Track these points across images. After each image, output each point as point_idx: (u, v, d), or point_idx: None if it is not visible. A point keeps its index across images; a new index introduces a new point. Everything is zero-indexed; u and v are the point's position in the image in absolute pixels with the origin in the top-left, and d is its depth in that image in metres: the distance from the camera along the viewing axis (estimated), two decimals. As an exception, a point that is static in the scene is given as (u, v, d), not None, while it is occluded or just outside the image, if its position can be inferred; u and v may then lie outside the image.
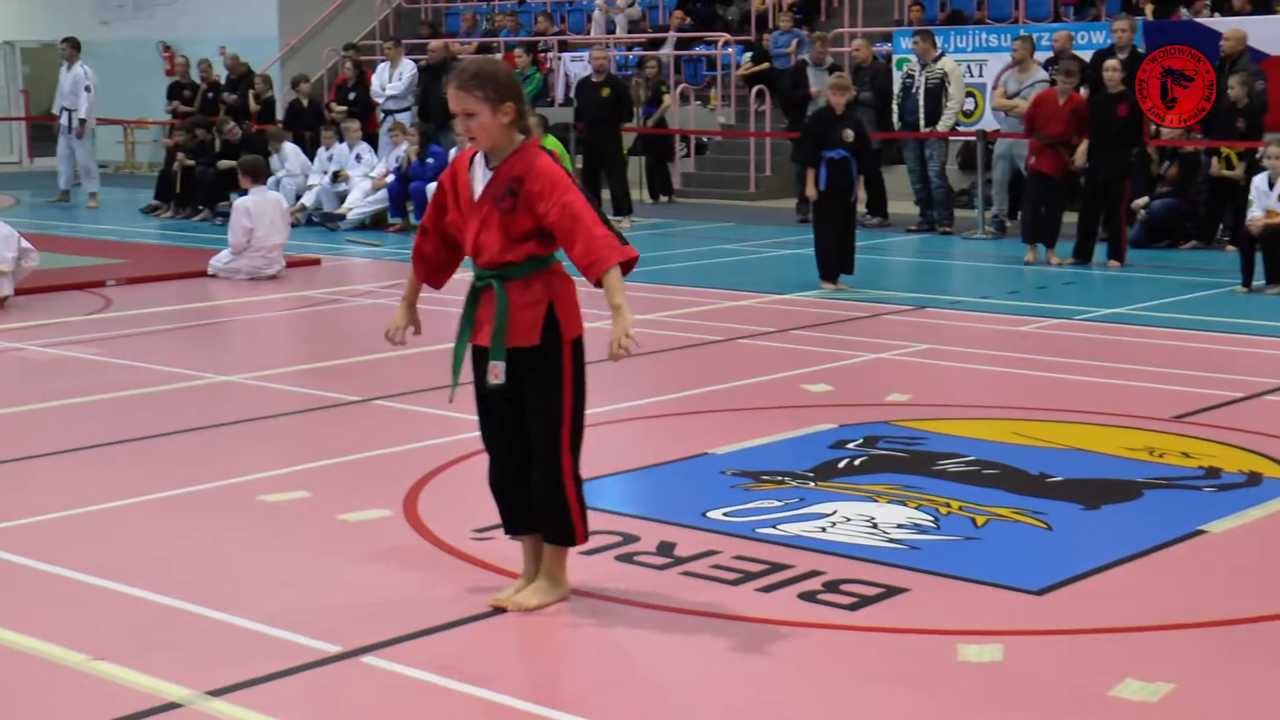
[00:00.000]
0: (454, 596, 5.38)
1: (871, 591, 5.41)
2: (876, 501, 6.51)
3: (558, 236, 5.07)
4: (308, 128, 20.20)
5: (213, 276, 13.77)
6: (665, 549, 5.90)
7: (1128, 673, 4.66)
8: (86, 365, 9.80)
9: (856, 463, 7.16)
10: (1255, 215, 12.38)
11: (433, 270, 5.43)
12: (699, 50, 23.36)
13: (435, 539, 6.04)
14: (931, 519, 6.28)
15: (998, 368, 9.56)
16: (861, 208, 14.57)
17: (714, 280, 13.38)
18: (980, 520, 6.26)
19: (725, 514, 6.34)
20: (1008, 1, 21.14)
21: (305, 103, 20.88)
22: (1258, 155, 13.78)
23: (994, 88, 16.88)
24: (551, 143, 17.92)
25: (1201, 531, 6.14)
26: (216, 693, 4.55)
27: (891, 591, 5.41)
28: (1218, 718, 4.44)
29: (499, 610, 5.23)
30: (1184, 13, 18.34)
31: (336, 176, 18.43)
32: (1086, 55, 16.16)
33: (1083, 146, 14.10)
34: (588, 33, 24.69)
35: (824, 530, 6.12)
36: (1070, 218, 14.50)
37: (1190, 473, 7.00)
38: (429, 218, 5.38)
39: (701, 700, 4.56)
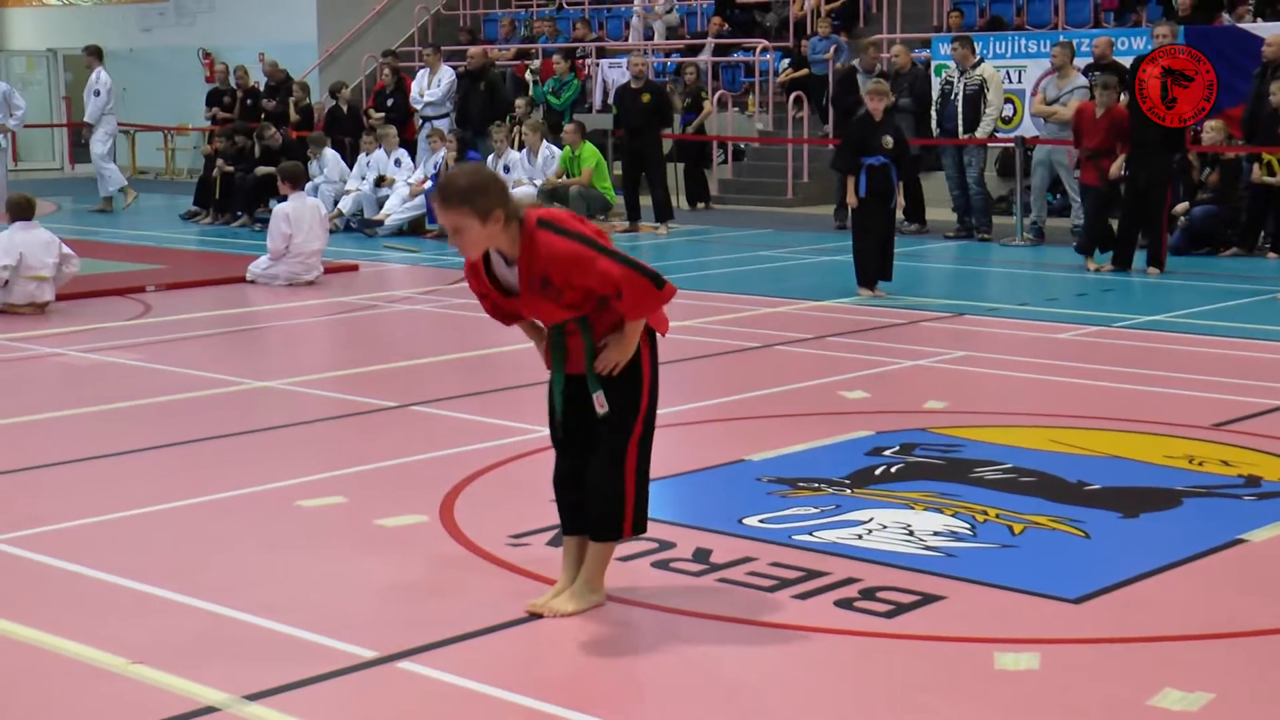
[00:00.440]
0: (490, 602, 5.39)
1: (908, 599, 5.39)
2: (913, 509, 6.49)
3: (608, 296, 5.06)
4: (347, 134, 20.31)
5: (251, 282, 13.82)
6: (701, 555, 5.90)
7: (1167, 682, 4.63)
8: (126, 370, 9.86)
9: (893, 470, 7.14)
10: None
11: (507, 318, 5.42)
12: (737, 57, 23.36)
13: (472, 545, 6.05)
14: (968, 526, 6.25)
15: (1036, 375, 9.52)
16: (899, 214, 14.53)
17: (752, 287, 13.36)
18: (1017, 528, 6.23)
19: (761, 520, 6.33)
20: (1047, 7, 21.06)
21: (345, 109, 20.97)
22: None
23: (1033, 94, 16.83)
24: (589, 150, 18.03)
25: (1241, 540, 6.09)
26: (254, 697, 4.56)
27: (928, 599, 5.40)
28: (1257, 728, 4.41)
29: (535, 616, 5.24)
30: (1226, 18, 18.23)
31: (381, 181, 18.50)
32: (1126, 61, 16.06)
33: (1120, 158, 14.04)
34: (626, 39, 24.72)
35: (860, 537, 6.10)
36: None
37: (1230, 481, 6.95)
38: (477, 293, 5.36)
39: (737, 707, 4.54)
